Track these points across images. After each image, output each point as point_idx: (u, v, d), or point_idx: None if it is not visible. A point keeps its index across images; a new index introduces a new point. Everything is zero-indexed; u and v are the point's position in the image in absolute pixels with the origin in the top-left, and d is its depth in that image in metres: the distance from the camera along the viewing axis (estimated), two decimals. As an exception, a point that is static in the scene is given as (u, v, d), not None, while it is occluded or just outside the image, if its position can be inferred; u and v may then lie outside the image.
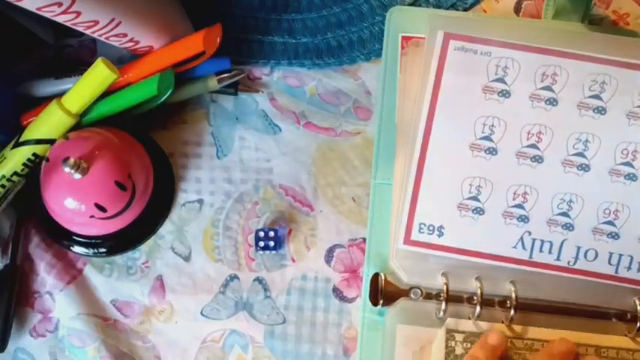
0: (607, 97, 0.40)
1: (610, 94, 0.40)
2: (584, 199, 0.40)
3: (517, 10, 0.48)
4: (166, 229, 0.46)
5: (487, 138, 0.41)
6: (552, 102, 0.41)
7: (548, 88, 0.41)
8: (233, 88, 0.46)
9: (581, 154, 0.40)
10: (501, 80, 0.41)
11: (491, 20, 0.46)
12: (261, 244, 0.44)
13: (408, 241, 0.41)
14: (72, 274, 0.45)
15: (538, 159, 0.41)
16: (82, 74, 0.41)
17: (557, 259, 0.41)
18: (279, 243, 0.44)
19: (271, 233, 0.44)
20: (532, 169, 0.41)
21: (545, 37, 0.41)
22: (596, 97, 0.40)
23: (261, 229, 0.44)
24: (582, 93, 0.40)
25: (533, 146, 0.41)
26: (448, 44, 0.41)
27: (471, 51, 0.41)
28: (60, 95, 0.42)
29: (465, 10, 0.47)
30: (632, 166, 0.40)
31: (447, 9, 0.47)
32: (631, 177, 0.40)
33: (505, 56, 0.41)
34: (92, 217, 0.40)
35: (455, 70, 0.41)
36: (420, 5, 0.47)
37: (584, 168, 0.40)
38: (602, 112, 0.40)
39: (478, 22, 0.44)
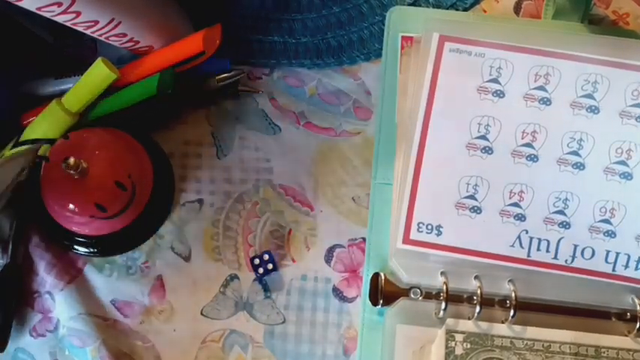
0: (600, 97, 0.41)
1: (602, 94, 0.40)
2: (579, 198, 0.40)
3: (517, 10, 0.48)
4: (166, 229, 0.46)
5: (483, 137, 0.41)
6: (546, 102, 0.41)
7: (542, 88, 0.41)
8: (233, 88, 0.47)
9: (575, 153, 0.41)
10: (495, 81, 0.41)
11: (485, 22, 0.46)
12: (261, 270, 0.44)
13: (407, 240, 0.41)
14: (72, 274, 0.45)
15: (533, 158, 0.41)
16: (82, 74, 0.41)
17: (555, 257, 0.41)
18: (274, 263, 0.44)
19: (265, 256, 0.44)
20: (527, 167, 0.41)
21: (537, 38, 0.41)
22: (589, 96, 0.41)
23: (255, 257, 0.44)
24: (575, 92, 0.41)
25: (528, 145, 0.41)
26: (443, 46, 0.41)
27: (465, 52, 0.41)
28: (60, 95, 0.42)
29: (465, 10, 0.47)
30: (627, 165, 0.40)
31: (447, 9, 0.47)
32: (626, 176, 0.40)
33: (499, 57, 0.41)
34: (92, 217, 0.40)
35: (450, 71, 0.41)
36: (420, 5, 0.47)
37: (579, 167, 0.41)
38: (596, 111, 0.41)
39: (473, 25, 0.45)
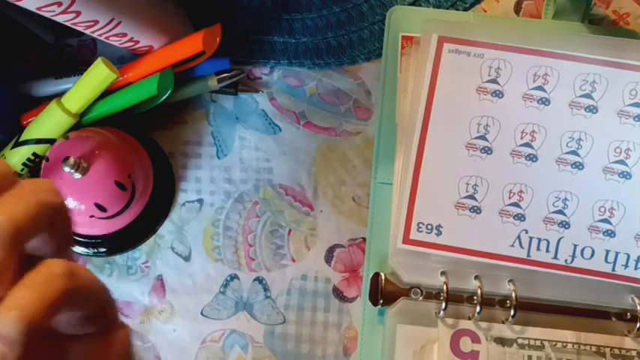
0: (598, 97, 0.41)
1: (601, 94, 0.40)
2: (579, 197, 0.41)
3: (517, 9, 0.47)
4: (166, 229, 0.46)
5: (482, 137, 0.41)
6: (544, 102, 0.41)
7: (540, 88, 0.41)
8: (233, 88, 0.46)
9: (574, 153, 0.41)
10: (494, 81, 0.41)
11: (484, 23, 0.46)
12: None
13: (407, 240, 0.41)
14: (72, 274, 0.45)
15: (532, 157, 0.41)
16: (81, 74, 0.41)
17: (555, 257, 0.41)
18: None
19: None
20: (527, 167, 0.41)
21: (536, 39, 0.41)
22: (587, 96, 0.41)
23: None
24: (573, 92, 0.41)
25: (527, 145, 0.41)
26: (442, 47, 0.41)
27: (464, 53, 0.41)
28: (60, 95, 0.42)
29: (465, 9, 0.47)
30: (626, 164, 0.40)
31: (447, 9, 0.47)
32: (625, 175, 0.40)
33: (497, 58, 0.41)
34: (92, 216, 0.40)
35: (449, 71, 0.41)
36: (420, 5, 0.47)
37: (578, 166, 0.41)
38: (594, 111, 0.41)
39: (471, 26, 0.45)
